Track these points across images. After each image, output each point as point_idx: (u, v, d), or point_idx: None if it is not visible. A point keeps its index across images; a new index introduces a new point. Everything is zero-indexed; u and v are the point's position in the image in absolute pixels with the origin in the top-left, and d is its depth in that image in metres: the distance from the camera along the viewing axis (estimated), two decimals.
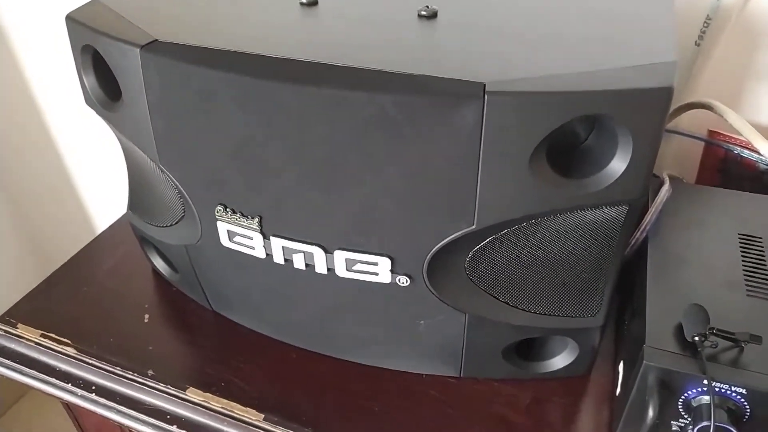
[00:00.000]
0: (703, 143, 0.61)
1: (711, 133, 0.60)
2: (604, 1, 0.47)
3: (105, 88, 0.48)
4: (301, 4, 0.47)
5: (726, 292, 0.43)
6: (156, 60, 0.41)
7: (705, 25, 0.55)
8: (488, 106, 0.35)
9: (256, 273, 0.48)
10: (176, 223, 0.51)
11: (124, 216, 0.70)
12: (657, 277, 0.45)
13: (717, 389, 0.38)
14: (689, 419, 0.40)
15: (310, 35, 0.43)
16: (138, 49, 0.41)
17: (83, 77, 0.48)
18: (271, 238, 0.44)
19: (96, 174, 1.11)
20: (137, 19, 0.45)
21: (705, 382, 0.38)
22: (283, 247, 0.44)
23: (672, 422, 0.40)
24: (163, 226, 0.53)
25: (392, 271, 0.43)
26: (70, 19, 0.46)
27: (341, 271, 0.44)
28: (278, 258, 0.45)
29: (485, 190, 0.38)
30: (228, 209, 0.45)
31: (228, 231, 0.46)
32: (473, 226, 0.39)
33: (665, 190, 0.49)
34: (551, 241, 0.41)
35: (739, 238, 0.48)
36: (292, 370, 0.52)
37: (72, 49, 0.47)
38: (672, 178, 0.54)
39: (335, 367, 0.52)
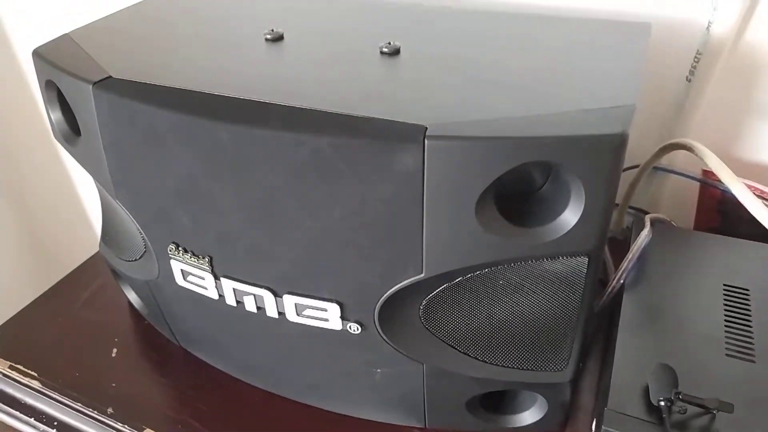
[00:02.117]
0: (699, 183, 0.58)
1: (705, 172, 0.56)
2: (574, 38, 0.45)
3: (69, 123, 0.48)
4: (266, 39, 0.46)
5: (703, 351, 0.40)
6: (106, 97, 0.40)
7: (695, 60, 0.53)
8: (428, 151, 0.33)
9: (212, 313, 0.47)
10: (139, 258, 0.50)
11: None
12: (628, 330, 0.42)
13: None
14: None
15: (265, 73, 0.42)
16: (90, 86, 0.41)
17: (49, 112, 0.48)
18: (222, 279, 0.43)
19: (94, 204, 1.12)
20: (99, 55, 0.45)
21: None
22: (233, 288, 0.43)
23: None
24: (128, 260, 0.52)
25: (342, 317, 0.41)
26: (35, 54, 0.46)
27: (291, 315, 0.42)
28: (230, 300, 0.44)
29: (431, 238, 0.36)
30: (180, 248, 0.43)
31: (182, 270, 0.45)
32: (422, 274, 0.37)
33: (644, 235, 0.46)
34: (510, 291, 0.39)
35: (724, 290, 0.45)
36: (254, 412, 0.50)
37: (39, 84, 0.47)
38: (658, 221, 0.51)
39: (299, 411, 0.50)
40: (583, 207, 0.34)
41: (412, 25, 0.49)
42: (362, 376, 0.45)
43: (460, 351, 0.42)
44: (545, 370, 0.42)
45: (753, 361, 0.39)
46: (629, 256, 0.46)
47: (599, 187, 0.33)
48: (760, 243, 0.49)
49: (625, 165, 0.61)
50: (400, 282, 0.38)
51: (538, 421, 0.46)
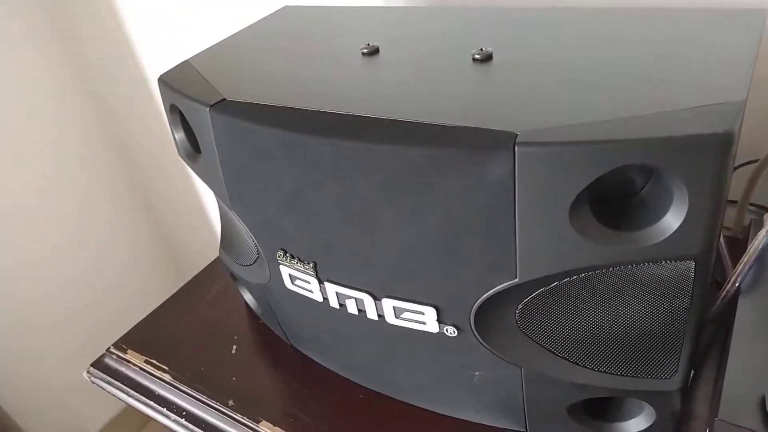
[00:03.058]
0: None
1: None
2: (679, 32, 0.43)
3: (191, 142, 0.53)
4: (363, 53, 0.49)
5: None
6: (221, 118, 0.44)
7: None
8: (519, 158, 0.33)
9: (319, 314, 0.49)
10: (252, 263, 0.54)
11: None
12: (743, 337, 0.39)
13: None
14: None
15: (361, 87, 0.44)
16: (207, 108, 0.45)
17: (173, 132, 0.53)
18: (326, 283, 0.45)
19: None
20: (215, 79, 0.49)
21: None
22: (336, 292, 0.45)
23: None
24: (244, 265, 0.57)
25: (439, 321, 0.42)
26: (160, 80, 0.51)
27: (390, 318, 0.44)
28: (333, 302, 0.46)
29: (524, 243, 0.36)
30: (288, 254, 0.47)
31: (290, 275, 0.48)
32: (516, 279, 0.37)
33: (762, 234, 0.43)
34: (611, 297, 0.38)
35: None
36: (358, 409, 0.53)
37: (164, 107, 0.53)
38: None
39: (402, 410, 0.52)
40: (686, 210, 0.33)
41: (504, 30, 0.49)
42: (461, 378, 0.46)
43: (558, 355, 0.41)
44: (651, 378, 0.41)
45: None
46: (745, 258, 0.43)
47: (704, 188, 0.32)
48: None
49: (744, 160, 0.57)
50: (495, 287, 0.38)
51: (645, 430, 0.44)
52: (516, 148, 0.33)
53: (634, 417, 0.45)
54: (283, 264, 0.48)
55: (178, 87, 0.49)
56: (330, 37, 0.55)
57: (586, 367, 0.41)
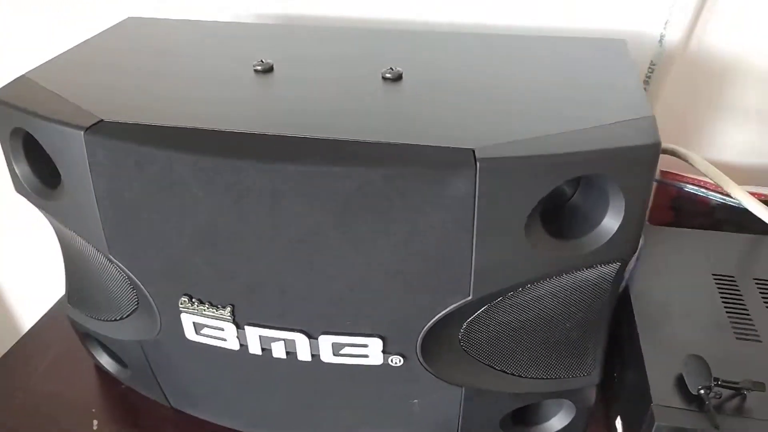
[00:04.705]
0: (654, 183, 0.63)
1: (663, 173, 0.61)
2: (565, 56, 0.47)
3: (39, 174, 0.43)
4: (255, 71, 0.44)
5: (715, 338, 0.43)
6: (103, 143, 0.36)
7: (650, 70, 0.57)
8: (480, 173, 0.33)
9: (227, 366, 0.43)
10: (127, 316, 0.46)
11: (52, 310, 0.63)
12: (646, 328, 0.44)
13: None
14: None
15: (271, 106, 0.40)
16: (81, 132, 0.37)
17: (13, 164, 0.42)
18: (246, 327, 0.40)
19: (17, 265, 1.01)
20: (74, 96, 0.40)
21: None
22: (260, 336, 0.40)
23: None
24: (110, 320, 0.47)
25: (384, 351, 0.39)
26: None
27: (327, 356, 0.40)
28: (254, 348, 0.41)
29: (481, 260, 0.35)
30: (194, 300, 0.40)
31: (194, 323, 0.41)
32: (469, 297, 0.37)
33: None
34: (545, 304, 0.39)
35: (714, 279, 0.48)
36: None
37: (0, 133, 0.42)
38: None
39: None
40: (623, 215, 0.35)
41: (408, 51, 0.49)
42: (397, 409, 0.43)
43: (497, 369, 0.42)
44: (576, 376, 0.43)
45: (760, 341, 0.43)
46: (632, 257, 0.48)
47: (638, 194, 0.35)
48: (726, 233, 0.54)
49: None
50: (447, 308, 0.37)
51: (564, 428, 0.47)
52: (477, 164, 0.33)
53: (553, 416, 0.47)
54: (186, 312, 0.41)
55: (29, 107, 0.39)
56: (200, 52, 0.49)
57: (521, 376, 0.42)
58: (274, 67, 0.45)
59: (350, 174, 0.33)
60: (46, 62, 0.47)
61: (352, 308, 0.38)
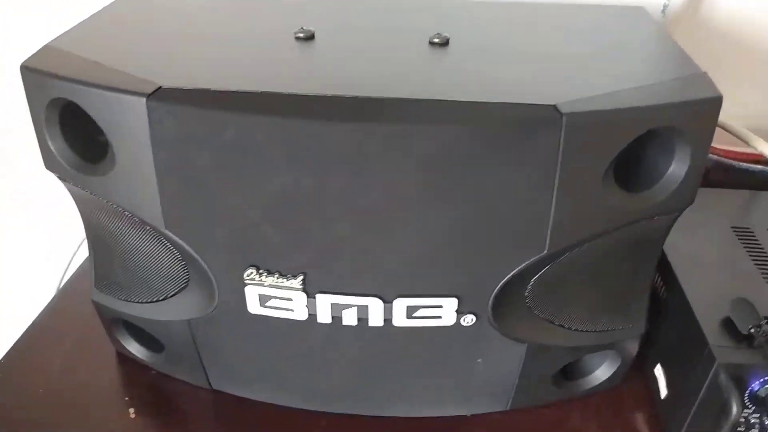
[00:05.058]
0: None
1: None
2: (595, 27, 0.48)
3: (77, 148, 0.40)
4: (297, 38, 0.43)
5: (747, 283, 0.46)
6: (170, 110, 0.35)
7: None
8: (566, 128, 0.34)
9: (287, 338, 0.42)
10: (173, 295, 0.44)
11: (55, 302, 0.59)
12: (686, 278, 0.46)
13: None
14: (754, 409, 0.41)
15: (334, 69, 0.39)
16: (144, 99, 0.35)
17: (47, 138, 0.39)
18: (317, 296, 0.39)
19: None
20: (118, 64, 0.38)
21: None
22: (331, 304, 0.39)
23: None
24: (152, 302, 0.45)
25: (458, 311, 0.40)
26: (29, 69, 0.38)
27: (400, 320, 0.40)
28: (323, 317, 0.40)
29: (559, 214, 0.36)
30: (262, 271, 0.39)
31: (260, 295, 0.40)
32: (544, 252, 0.38)
33: None
34: (606, 256, 0.41)
35: (734, 231, 0.52)
36: None
37: (31, 105, 0.39)
38: None
39: (370, 427, 0.47)
40: (687, 166, 0.37)
41: (446, 19, 0.49)
42: (459, 370, 0.44)
43: (556, 324, 0.43)
44: (625, 327, 0.45)
45: None
46: None
47: (702, 145, 0.37)
48: (737, 190, 0.57)
49: None
50: (522, 264, 0.38)
51: (607, 378, 0.49)
52: (564, 118, 0.33)
53: (598, 368, 0.49)
54: (252, 284, 0.39)
55: (73, 75, 0.37)
56: (231, 18, 0.47)
57: (577, 330, 0.44)
58: (315, 34, 0.44)
59: (437, 132, 0.33)
60: (68, 31, 0.44)
61: (429, 269, 0.38)
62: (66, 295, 0.60)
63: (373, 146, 0.34)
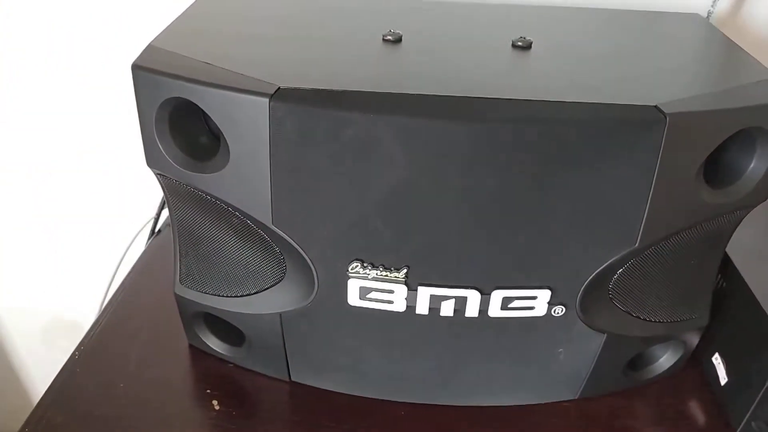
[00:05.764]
0: None
1: None
2: (661, 34, 0.51)
3: (186, 146, 0.41)
4: (385, 40, 0.45)
5: None
6: (292, 110, 0.36)
7: None
8: (669, 127, 0.36)
9: (382, 329, 0.44)
10: (266, 288, 0.45)
11: (115, 302, 0.59)
12: (747, 270, 0.49)
13: None
14: None
15: (436, 71, 0.41)
16: (267, 99, 0.36)
17: (156, 136, 0.41)
18: (418, 288, 0.41)
19: None
20: (232, 65, 0.39)
21: None
22: (431, 295, 0.41)
23: None
24: (243, 295, 0.46)
25: (549, 302, 0.42)
26: (142, 68, 0.39)
27: (495, 311, 0.42)
28: (422, 308, 0.42)
29: (653, 210, 0.39)
30: (366, 264, 0.41)
31: (360, 288, 0.42)
32: (635, 246, 0.40)
33: None
34: (684, 250, 0.43)
35: None
36: (406, 428, 0.48)
37: (141, 105, 0.40)
38: None
39: (448, 416, 0.49)
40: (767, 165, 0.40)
41: (515, 22, 0.51)
42: (541, 359, 0.46)
43: (633, 315, 0.46)
44: (691, 318, 0.48)
45: None
46: None
47: None
48: None
49: None
50: (614, 257, 0.41)
51: (670, 367, 0.51)
52: (667, 118, 0.36)
53: (661, 357, 0.51)
54: (355, 277, 0.41)
55: (194, 75, 0.38)
56: (317, 20, 0.49)
57: (651, 321, 0.46)
58: (403, 38, 0.46)
59: (548, 133, 0.36)
60: (164, 31, 0.45)
61: (527, 262, 0.40)
62: (130, 291, 0.61)
63: (486, 145, 0.36)
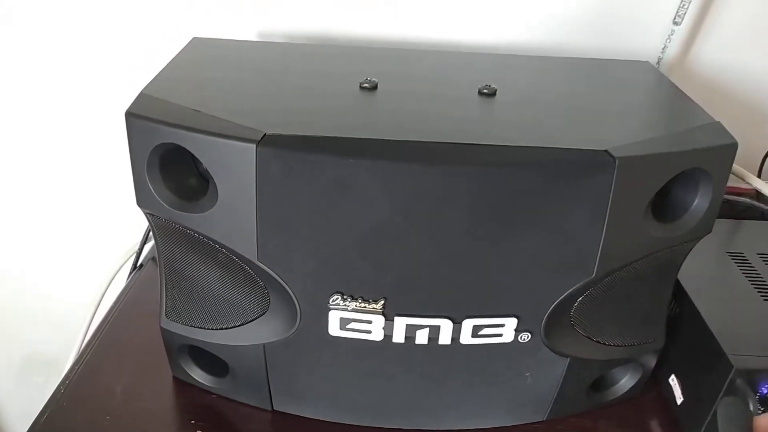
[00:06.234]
0: None
1: None
2: (607, 81, 0.56)
3: (174, 188, 0.44)
4: (362, 88, 0.49)
5: (750, 300, 0.53)
6: (278, 155, 0.39)
7: None
8: (618, 170, 0.40)
9: (360, 357, 0.47)
10: (251, 320, 0.48)
11: (100, 335, 0.61)
12: (697, 295, 0.53)
13: None
14: (762, 411, 0.48)
15: (405, 117, 0.45)
16: (254, 145, 0.39)
17: (148, 180, 0.43)
18: (395, 318, 0.44)
19: None
20: (220, 113, 0.42)
21: None
22: (407, 325, 0.44)
23: None
24: (227, 328, 0.49)
25: (516, 329, 0.45)
26: (135, 116, 0.42)
27: (466, 338, 0.45)
28: (398, 337, 0.45)
29: (607, 243, 0.43)
30: (346, 297, 0.44)
31: (341, 319, 0.44)
32: (592, 276, 0.44)
33: None
34: (639, 279, 0.47)
35: (729, 256, 0.59)
36: None
37: (134, 150, 0.43)
38: None
39: None
40: (709, 200, 0.44)
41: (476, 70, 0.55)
42: (508, 383, 0.49)
43: (593, 340, 0.49)
44: (648, 342, 0.52)
45: None
46: None
47: (721, 182, 0.44)
48: (728, 220, 0.65)
49: None
50: (574, 286, 0.44)
51: (630, 389, 0.55)
52: (617, 161, 0.40)
53: (622, 379, 0.55)
54: (336, 309, 0.44)
55: (185, 123, 0.41)
56: (295, 70, 0.52)
57: (611, 345, 0.50)
58: (378, 85, 0.49)
59: (511, 175, 0.39)
60: (154, 80, 0.48)
61: (494, 292, 0.44)
62: (114, 324, 0.62)
63: (453, 186, 0.40)
